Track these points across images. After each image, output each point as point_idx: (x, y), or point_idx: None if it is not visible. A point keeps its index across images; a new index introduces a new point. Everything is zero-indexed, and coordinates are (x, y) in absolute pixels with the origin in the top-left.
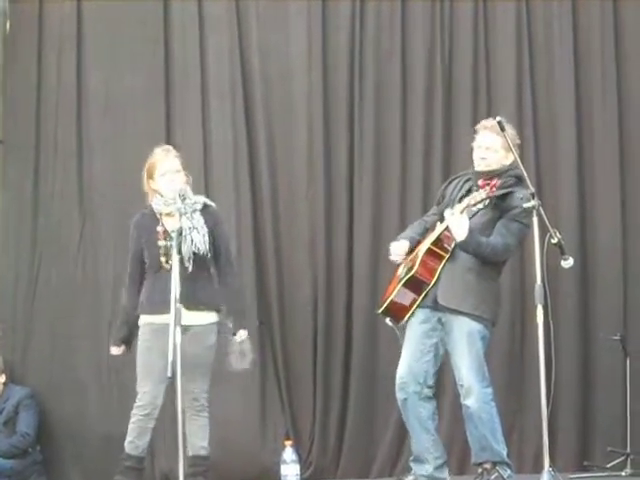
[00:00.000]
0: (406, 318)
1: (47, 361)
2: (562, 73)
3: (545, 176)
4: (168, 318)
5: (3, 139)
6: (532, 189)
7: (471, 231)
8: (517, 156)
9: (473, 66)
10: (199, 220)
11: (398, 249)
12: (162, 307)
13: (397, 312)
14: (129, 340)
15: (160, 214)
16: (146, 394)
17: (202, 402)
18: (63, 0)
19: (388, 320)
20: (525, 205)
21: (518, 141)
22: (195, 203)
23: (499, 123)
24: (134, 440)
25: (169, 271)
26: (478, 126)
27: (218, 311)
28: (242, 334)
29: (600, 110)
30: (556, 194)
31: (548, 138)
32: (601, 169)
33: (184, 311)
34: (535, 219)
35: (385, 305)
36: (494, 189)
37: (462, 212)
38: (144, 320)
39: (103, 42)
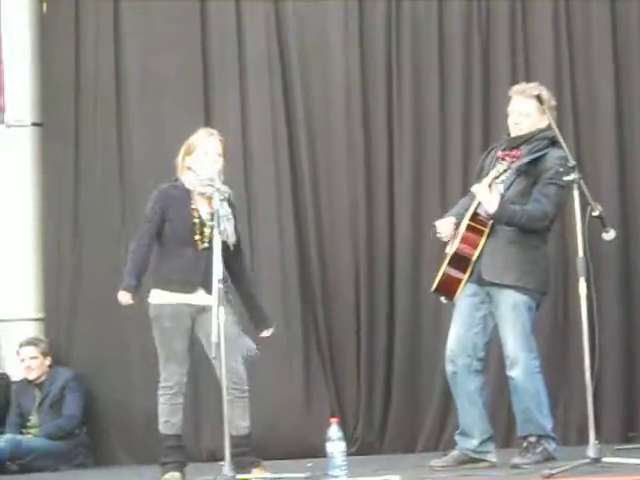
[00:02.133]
0: (457, 294)
1: (92, 343)
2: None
3: (585, 148)
4: (190, 298)
5: (43, 122)
6: (573, 162)
7: (502, 203)
8: (552, 119)
9: (510, 30)
10: (228, 210)
11: (443, 227)
12: (185, 287)
13: (448, 289)
14: (138, 289)
15: (191, 192)
16: (173, 375)
17: (245, 384)
18: None
19: (442, 298)
20: (566, 178)
21: (554, 102)
22: (225, 192)
23: (537, 97)
24: (169, 419)
25: (200, 250)
26: (511, 91)
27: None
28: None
29: (638, 82)
30: (596, 167)
31: (587, 107)
32: None
33: (204, 293)
34: (576, 192)
35: (436, 283)
36: (515, 159)
37: (489, 185)
38: (162, 297)
39: (140, 22)
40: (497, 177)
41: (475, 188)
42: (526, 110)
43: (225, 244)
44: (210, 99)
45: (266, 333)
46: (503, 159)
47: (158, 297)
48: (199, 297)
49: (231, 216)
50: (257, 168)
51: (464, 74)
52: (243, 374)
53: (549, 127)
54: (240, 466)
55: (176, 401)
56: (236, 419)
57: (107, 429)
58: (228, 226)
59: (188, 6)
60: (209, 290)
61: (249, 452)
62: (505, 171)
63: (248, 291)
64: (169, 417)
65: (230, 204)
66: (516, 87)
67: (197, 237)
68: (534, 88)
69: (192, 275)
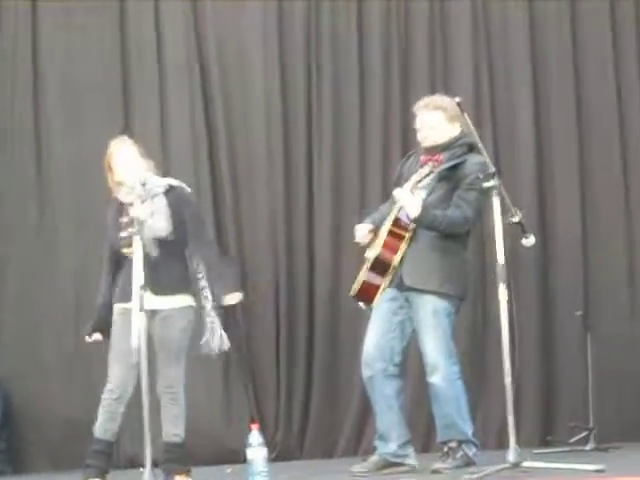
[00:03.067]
0: (376, 299)
1: (9, 348)
2: (518, 50)
3: (503, 156)
4: (131, 304)
5: None
6: (493, 168)
7: (425, 207)
8: (466, 124)
9: (429, 31)
10: (161, 202)
11: (361, 231)
12: (128, 294)
13: (367, 294)
14: (101, 328)
15: (124, 205)
16: (114, 378)
17: (177, 389)
18: None
19: (360, 303)
20: (485, 185)
21: (457, 110)
22: (156, 187)
23: (458, 104)
24: (104, 424)
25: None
26: (414, 107)
27: (193, 295)
28: (232, 297)
29: (556, 83)
30: (514, 174)
31: (506, 112)
32: (559, 148)
33: (151, 296)
34: (496, 198)
35: (355, 289)
36: (437, 163)
37: (412, 190)
38: (114, 307)
39: (59, 23)
40: (420, 181)
41: (397, 192)
42: (433, 123)
43: (162, 240)
44: (129, 101)
45: (228, 300)
46: (426, 163)
47: (114, 307)
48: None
49: (162, 209)
50: (176, 174)
51: (383, 79)
52: (175, 380)
53: (465, 134)
54: (164, 473)
55: (115, 409)
56: (167, 425)
57: (26, 435)
58: (157, 222)
59: (107, 11)
60: (156, 293)
61: (175, 460)
62: (428, 175)
63: (207, 265)
64: (104, 422)
65: (174, 194)
66: (419, 102)
67: (127, 250)
68: (436, 99)
69: (130, 283)
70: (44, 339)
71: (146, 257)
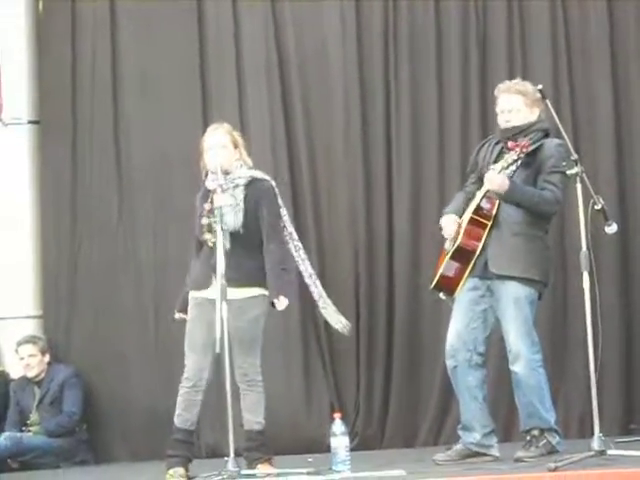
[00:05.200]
0: (458, 289)
1: (91, 339)
2: (598, 35)
3: (583, 143)
4: (207, 293)
5: (40, 119)
6: (575, 155)
7: (513, 181)
8: (544, 109)
9: (508, 27)
10: (238, 196)
11: (448, 224)
12: (202, 283)
13: (448, 285)
14: (185, 309)
15: (210, 191)
16: (191, 367)
17: (252, 377)
18: None
19: (441, 294)
20: (568, 172)
21: (538, 95)
22: (238, 178)
23: (540, 91)
24: (182, 413)
25: (211, 248)
26: (496, 91)
27: (263, 286)
28: (281, 302)
29: (636, 72)
30: (594, 161)
31: (585, 103)
32: (638, 136)
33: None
34: (578, 186)
35: (435, 280)
36: (524, 149)
37: (499, 173)
38: (190, 295)
39: (137, 22)
40: (506, 167)
41: (487, 175)
42: (513, 106)
43: (233, 232)
44: (208, 97)
45: (277, 306)
46: (512, 149)
47: (190, 297)
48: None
49: (237, 202)
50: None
51: (462, 76)
52: (250, 369)
53: (541, 119)
54: (247, 461)
55: (193, 397)
56: (247, 413)
57: (107, 426)
58: (229, 214)
59: (185, 6)
60: (232, 284)
61: (258, 448)
62: (515, 161)
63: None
64: (183, 411)
65: (254, 187)
66: (500, 86)
67: (207, 236)
68: (517, 84)
69: (204, 271)
70: (124, 330)
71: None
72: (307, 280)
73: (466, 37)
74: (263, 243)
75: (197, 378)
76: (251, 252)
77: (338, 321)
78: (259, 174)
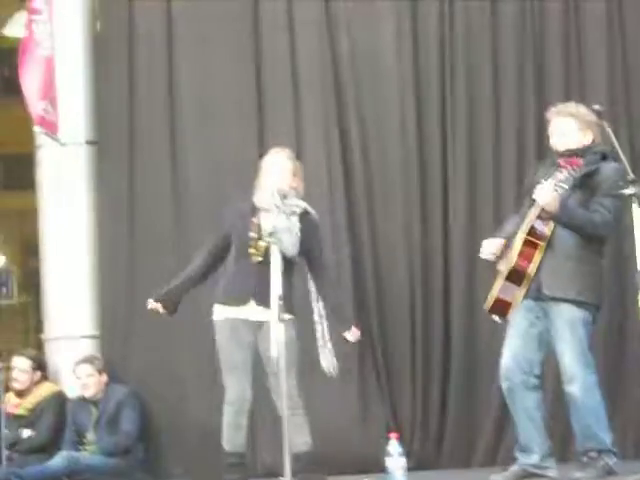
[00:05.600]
0: (512, 311)
1: (148, 359)
2: None
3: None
4: (243, 311)
5: (98, 140)
6: (632, 175)
7: (563, 200)
8: (603, 132)
9: (564, 40)
10: (295, 224)
11: (489, 247)
12: (240, 299)
13: (503, 307)
14: (165, 304)
15: (258, 208)
16: (232, 389)
17: (295, 399)
18: None
19: (495, 317)
20: (625, 192)
21: (592, 118)
22: (295, 206)
23: (597, 112)
24: (229, 437)
25: (253, 263)
26: (548, 114)
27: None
28: (354, 333)
29: None
30: None
31: None
32: None
33: (256, 306)
34: (635, 206)
35: (489, 302)
36: (575, 167)
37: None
38: (221, 313)
39: (193, 41)
40: (557, 185)
41: (538, 190)
42: (564, 129)
43: (285, 257)
44: (264, 119)
45: (349, 336)
46: (564, 167)
47: (217, 312)
48: (254, 311)
49: (297, 230)
50: (310, 187)
51: (517, 79)
52: (294, 390)
53: (598, 143)
54: None
55: (238, 420)
56: (293, 435)
57: (164, 445)
58: (287, 239)
59: (241, 25)
60: (263, 304)
61: (309, 469)
62: (567, 180)
63: (325, 295)
64: (230, 434)
65: (307, 218)
66: (552, 109)
67: (251, 250)
68: (569, 106)
69: (243, 287)
70: (181, 349)
71: (263, 268)
72: (315, 318)
73: (523, 39)
74: (313, 274)
75: (241, 401)
76: (288, 279)
77: (329, 363)
78: (310, 208)
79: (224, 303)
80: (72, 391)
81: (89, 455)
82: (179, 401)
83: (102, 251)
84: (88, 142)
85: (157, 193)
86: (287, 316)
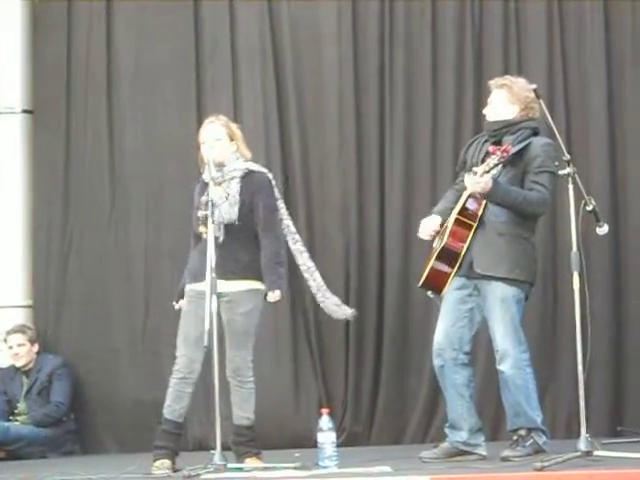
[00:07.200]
0: (445, 288)
1: (80, 330)
2: (592, 37)
3: (576, 144)
4: (203, 286)
5: (34, 109)
6: (567, 156)
7: (496, 182)
8: (544, 110)
9: (503, 26)
10: (234, 188)
11: (427, 226)
12: (197, 276)
13: (435, 284)
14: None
15: (206, 184)
16: (182, 358)
17: (244, 372)
18: None
19: (429, 293)
20: (560, 172)
21: (527, 93)
22: (234, 170)
23: (534, 91)
24: (171, 404)
25: (205, 240)
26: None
27: (258, 279)
28: (274, 295)
29: (631, 71)
30: (587, 161)
31: (579, 102)
32: (632, 135)
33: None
34: (570, 186)
35: (423, 279)
36: (505, 153)
37: (482, 175)
38: (186, 288)
39: (132, 12)
40: (487, 172)
41: (467, 178)
42: (495, 99)
43: (229, 225)
44: (201, 88)
45: (269, 296)
46: (494, 153)
47: (186, 289)
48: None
49: (234, 194)
50: None
51: (456, 78)
52: (241, 363)
53: (529, 118)
54: (235, 456)
55: (183, 389)
56: (236, 408)
57: (95, 416)
58: (224, 206)
59: None
60: (223, 277)
61: (246, 442)
62: (496, 165)
63: (264, 247)
64: (172, 402)
65: (250, 179)
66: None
67: (202, 229)
68: (506, 78)
69: (201, 264)
70: (113, 321)
71: (215, 240)
72: (305, 274)
73: (461, 38)
74: (259, 235)
75: (188, 370)
76: (246, 245)
77: (341, 313)
78: (256, 167)
79: (188, 281)
80: (3, 360)
81: (20, 425)
82: (111, 372)
83: (35, 220)
84: (24, 111)
85: (93, 164)
86: (250, 285)
